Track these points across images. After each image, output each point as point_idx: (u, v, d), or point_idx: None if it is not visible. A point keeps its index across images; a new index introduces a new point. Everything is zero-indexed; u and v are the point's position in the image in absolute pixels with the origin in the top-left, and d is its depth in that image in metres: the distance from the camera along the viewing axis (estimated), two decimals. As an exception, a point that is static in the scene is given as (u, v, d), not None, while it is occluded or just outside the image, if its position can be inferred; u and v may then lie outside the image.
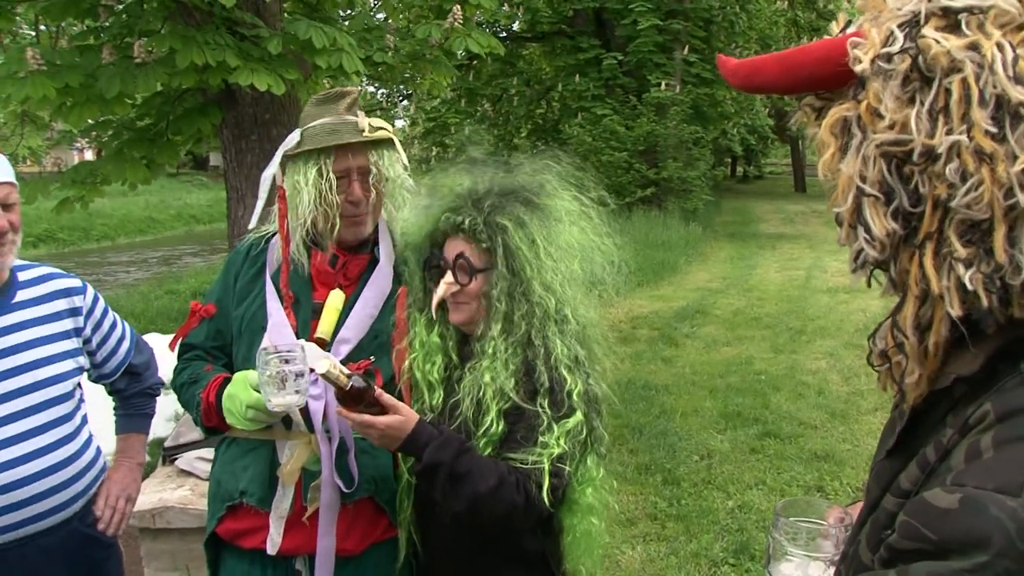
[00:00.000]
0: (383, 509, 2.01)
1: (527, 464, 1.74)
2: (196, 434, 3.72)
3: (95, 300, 2.25)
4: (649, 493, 4.74)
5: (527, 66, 22.15)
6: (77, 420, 2.15)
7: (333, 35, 4.96)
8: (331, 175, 1.97)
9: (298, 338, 1.97)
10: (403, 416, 1.73)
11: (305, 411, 1.94)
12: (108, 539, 2.22)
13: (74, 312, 2.17)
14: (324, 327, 1.98)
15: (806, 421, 5.87)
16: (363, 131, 1.98)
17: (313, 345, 1.95)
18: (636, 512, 4.51)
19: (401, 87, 19.70)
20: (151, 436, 5.17)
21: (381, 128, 2.01)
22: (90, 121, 5.66)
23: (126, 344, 2.34)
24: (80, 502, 2.14)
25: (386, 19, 7.27)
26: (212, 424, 2.03)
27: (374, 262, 2.09)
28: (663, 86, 17.49)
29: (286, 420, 1.97)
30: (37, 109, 5.56)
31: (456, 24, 5.72)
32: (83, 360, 2.19)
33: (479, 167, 2.00)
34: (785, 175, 43.04)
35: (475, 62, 19.44)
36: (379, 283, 2.06)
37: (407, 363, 1.95)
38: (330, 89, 2.08)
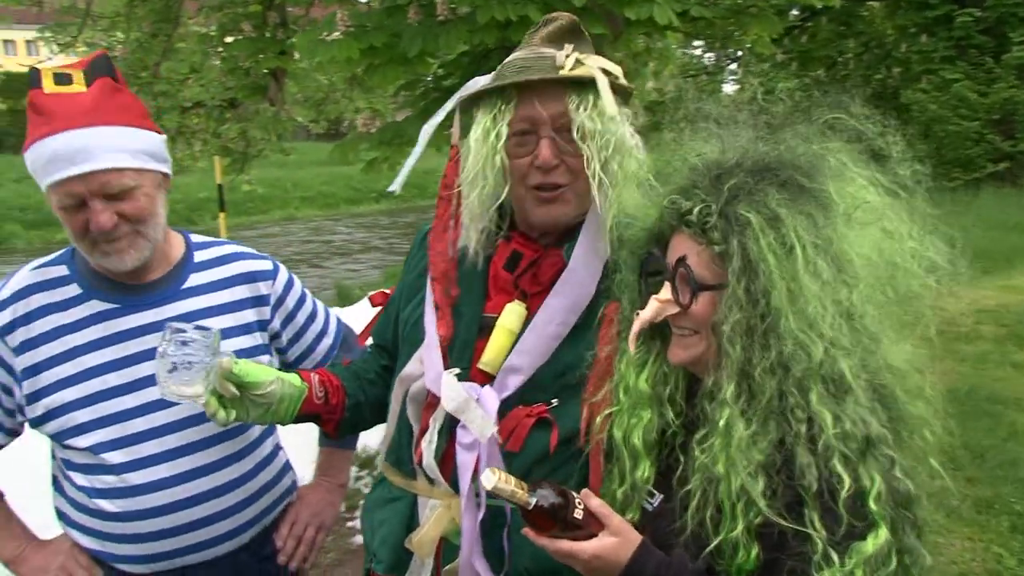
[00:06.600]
0: None
1: None
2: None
3: (287, 286, 1.88)
4: (991, 541, 3.87)
5: (866, 27, 20.45)
6: (255, 432, 1.81)
7: (645, -16, 4.55)
8: (504, 127, 1.44)
9: (451, 367, 1.49)
10: (618, 538, 1.22)
11: (452, 466, 1.45)
12: (288, 574, 1.88)
13: (259, 301, 1.82)
14: (490, 355, 1.48)
15: None
16: (561, 68, 1.43)
17: (452, 379, 1.46)
18: (972, 565, 3.67)
19: (728, 49, 19.06)
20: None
21: (599, 66, 1.44)
22: (400, 82, 5.75)
23: (328, 340, 1.96)
24: (252, 531, 1.80)
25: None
26: None
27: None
28: (1029, 45, 15.44)
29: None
30: (345, 70, 5.77)
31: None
32: (269, 359, 1.83)
33: (732, 129, 1.36)
34: None
35: (808, 23, 18.25)
36: (571, 290, 1.48)
37: (601, 416, 1.38)
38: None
